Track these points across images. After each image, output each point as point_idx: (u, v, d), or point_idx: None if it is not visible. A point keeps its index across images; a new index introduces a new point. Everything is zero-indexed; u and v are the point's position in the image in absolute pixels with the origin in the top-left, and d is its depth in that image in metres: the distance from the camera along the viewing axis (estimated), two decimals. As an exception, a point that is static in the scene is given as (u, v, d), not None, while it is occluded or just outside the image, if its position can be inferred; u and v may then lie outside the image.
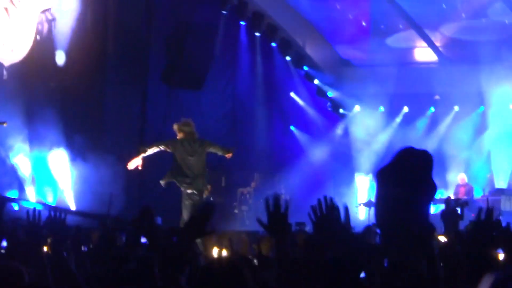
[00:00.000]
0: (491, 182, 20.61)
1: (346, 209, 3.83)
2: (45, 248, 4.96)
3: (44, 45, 18.44)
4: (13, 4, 18.46)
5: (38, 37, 18.55)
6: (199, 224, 4.25)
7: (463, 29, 20.51)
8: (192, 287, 3.88)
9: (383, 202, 3.64)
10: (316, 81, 22.51)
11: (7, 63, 18.41)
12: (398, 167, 3.64)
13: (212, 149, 13.55)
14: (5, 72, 18.11)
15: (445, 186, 20.34)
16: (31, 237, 4.82)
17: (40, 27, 18.61)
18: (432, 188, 3.67)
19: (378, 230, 11.32)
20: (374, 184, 3.81)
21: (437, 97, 22.15)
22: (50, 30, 18.57)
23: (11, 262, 4.40)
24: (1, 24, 18.55)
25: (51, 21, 18.60)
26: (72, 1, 18.63)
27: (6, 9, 18.58)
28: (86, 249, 6.77)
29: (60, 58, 18.34)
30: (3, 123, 15.65)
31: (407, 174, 3.60)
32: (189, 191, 13.29)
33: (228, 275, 3.54)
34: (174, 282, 3.86)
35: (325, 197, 3.85)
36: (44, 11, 18.64)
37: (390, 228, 3.54)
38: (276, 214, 4.01)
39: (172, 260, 3.93)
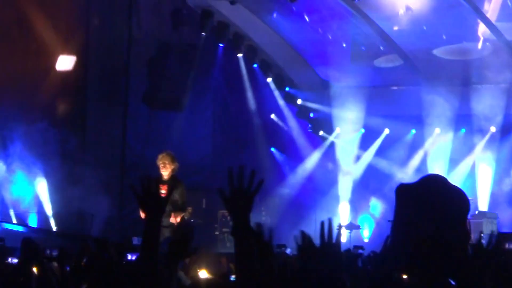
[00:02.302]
0: (474, 205, 20.44)
1: (330, 224, 3.45)
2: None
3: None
4: None
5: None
6: (182, 246, 4.25)
7: (447, 50, 20.63)
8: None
9: (405, 224, 3.32)
10: (299, 101, 22.39)
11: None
12: (426, 193, 3.33)
13: None
14: None
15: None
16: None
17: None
18: (466, 236, 3.31)
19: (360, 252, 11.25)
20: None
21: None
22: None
23: None
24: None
25: None
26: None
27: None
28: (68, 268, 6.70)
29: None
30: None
31: (439, 207, 3.28)
32: None
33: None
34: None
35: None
36: None
37: (417, 247, 3.24)
38: (240, 188, 3.69)
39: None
